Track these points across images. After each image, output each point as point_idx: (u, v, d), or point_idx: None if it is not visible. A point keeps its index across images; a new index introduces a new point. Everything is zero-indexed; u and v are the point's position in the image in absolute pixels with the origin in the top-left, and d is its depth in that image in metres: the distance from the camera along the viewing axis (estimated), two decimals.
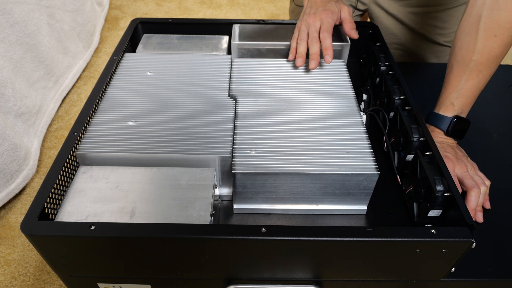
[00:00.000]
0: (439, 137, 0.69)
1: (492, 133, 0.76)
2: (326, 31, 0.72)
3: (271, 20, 0.85)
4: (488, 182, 0.63)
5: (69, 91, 1.75)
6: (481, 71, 0.64)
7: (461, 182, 0.62)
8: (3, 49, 1.33)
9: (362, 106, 0.77)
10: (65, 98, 1.72)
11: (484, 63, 0.64)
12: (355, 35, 0.75)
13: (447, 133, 0.68)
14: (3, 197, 1.22)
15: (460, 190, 0.60)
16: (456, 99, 0.67)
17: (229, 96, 0.66)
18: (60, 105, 1.68)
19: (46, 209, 0.48)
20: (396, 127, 0.65)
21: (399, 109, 0.65)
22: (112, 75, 0.70)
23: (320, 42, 0.72)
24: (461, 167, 0.63)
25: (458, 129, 0.68)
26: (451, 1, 0.91)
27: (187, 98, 0.65)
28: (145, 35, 0.85)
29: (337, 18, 0.76)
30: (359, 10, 1.00)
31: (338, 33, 0.81)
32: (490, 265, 0.54)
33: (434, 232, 0.46)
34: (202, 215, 0.50)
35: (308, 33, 0.73)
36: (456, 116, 0.67)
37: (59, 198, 0.52)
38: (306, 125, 0.60)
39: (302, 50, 0.72)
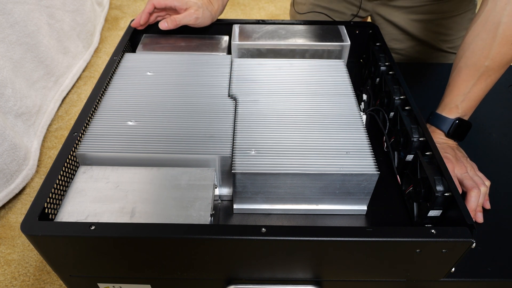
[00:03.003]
0: (440, 138, 0.69)
1: (492, 133, 0.76)
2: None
3: (271, 20, 0.85)
4: (488, 183, 0.63)
5: (69, 91, 1.75)
6: (490, 76, 0.64)
7: (461, 183, 0.62)
8: (3, 49, 1.33)
9: (362, 106, 0.77)
10: (65, 98, 1.72)
11: (495, 68, 0.63)
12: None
13: (448, 135, 0.68)
14: (3, 197, 1.22)
15: (460, 191, 0.60)
16: (462, 102, 0.67)
17: (229, 96, 0.66)
18: (60, 105, 1.68)
19: (46, 209, 0.48)
20: (396, 127, 0.65)
21: (399, 109, 0.65)
22: (112, 75, 0.70)
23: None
24: (461, 168, 0.63)
25: (459, 131, 0.68)
26: (455, 8, 0.90)
27: (187, 98, 0.65)
28: (145, 35, 0.85)
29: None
30: (360, 17, 1.00)
31: (338, 33, 0.82)
32: (490, 265, 0.54)
33: (434, 232, 0.46)
34: (202, 215, 0.50)
35: None
36: (458, 118, 0.67)
37: (59, 198, 0.52)
38: (306, 125, 0.60)
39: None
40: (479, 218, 0.60)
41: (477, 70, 0.64)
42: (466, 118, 0.68)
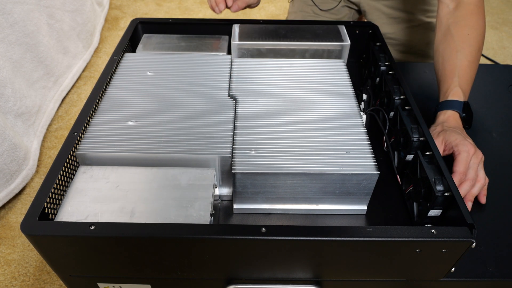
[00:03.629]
0: (458, 122, 0.69)
1: (492, 133, 0.76)
2: None
3: (271, 20, 0.85)
4: (487, 180, 0.63)
5: (69, 91, 1.75)
6: (466, 47, 0.72)
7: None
8: (2, 49, 1.33)
9: (362, 106, 0.77)
10: (65, 98, 1.72)
11: (466, 42, 0.72)
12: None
13: (462, 117, 0.69)
14: (3, 197, 1.22)
15: (461, 178, 0.60)
16: (460, 82, 0.70)
17: (229, 96, 0.66)
18: (60, 105, 1.68)
19: (46, 209, 0.48)
20: (396, 127, 0.65)
21: (399, 109, 0.65)
22: (112, 75, 0.70)
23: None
24: (477, 158, 0.63)
25: (468, 114, 0.70)
26: None
27: (187, 98, 0.65)
28: (145, 35, 0.84)
29: None
30: (350, 8, 1.06)
31: (338, 33, 0.82)
32: (490, 265, 0.54)
33: (434, 232, 0.46)
34: (202, 215, 0.50)
35: None
36: (465, 101, 0.70)
37: (59, 198, 0.52)
38: (306, 125, 0.60)
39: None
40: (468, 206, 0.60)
41: (454, 56, 0.72)
42: (466, 99, 0.71)
